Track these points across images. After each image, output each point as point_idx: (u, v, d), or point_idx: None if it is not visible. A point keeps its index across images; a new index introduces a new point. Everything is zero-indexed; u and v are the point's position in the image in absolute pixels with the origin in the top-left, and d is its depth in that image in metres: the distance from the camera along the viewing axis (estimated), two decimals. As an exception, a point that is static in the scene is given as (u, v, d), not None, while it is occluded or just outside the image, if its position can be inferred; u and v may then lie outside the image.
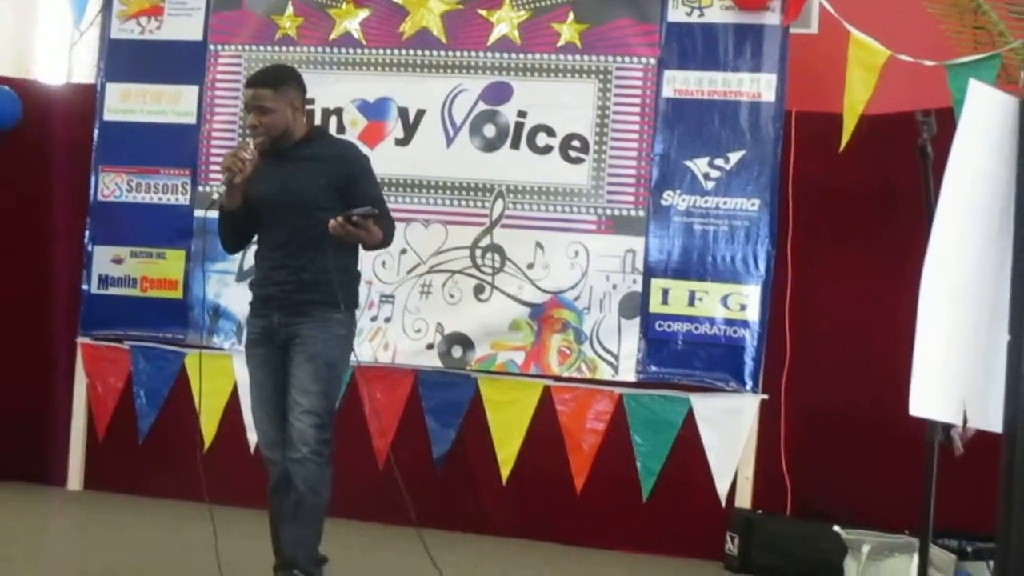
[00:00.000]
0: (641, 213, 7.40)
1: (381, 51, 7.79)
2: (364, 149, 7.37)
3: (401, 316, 7.67)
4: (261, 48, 7.93)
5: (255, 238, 5.76)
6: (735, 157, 7.29)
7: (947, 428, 3.92)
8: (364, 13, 7.82)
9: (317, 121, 7.68)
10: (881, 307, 7.01)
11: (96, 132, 8.23)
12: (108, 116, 8.21)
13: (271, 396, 5.57)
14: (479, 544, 7.40)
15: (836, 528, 6.61)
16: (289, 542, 5.53)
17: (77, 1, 8.21)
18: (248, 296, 5.76)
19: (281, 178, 5.55)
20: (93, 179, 8.20)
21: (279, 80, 5.63)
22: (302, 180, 5.52)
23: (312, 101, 7.59)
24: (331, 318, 5.50)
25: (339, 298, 5.47)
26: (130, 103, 8.16)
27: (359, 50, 7.81)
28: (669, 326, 7.35)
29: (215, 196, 5.50)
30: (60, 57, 9.47)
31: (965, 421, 3.04)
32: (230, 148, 7.40)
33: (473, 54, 7.66)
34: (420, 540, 5.57)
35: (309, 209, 5.44)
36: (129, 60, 8.20)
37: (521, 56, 7.59)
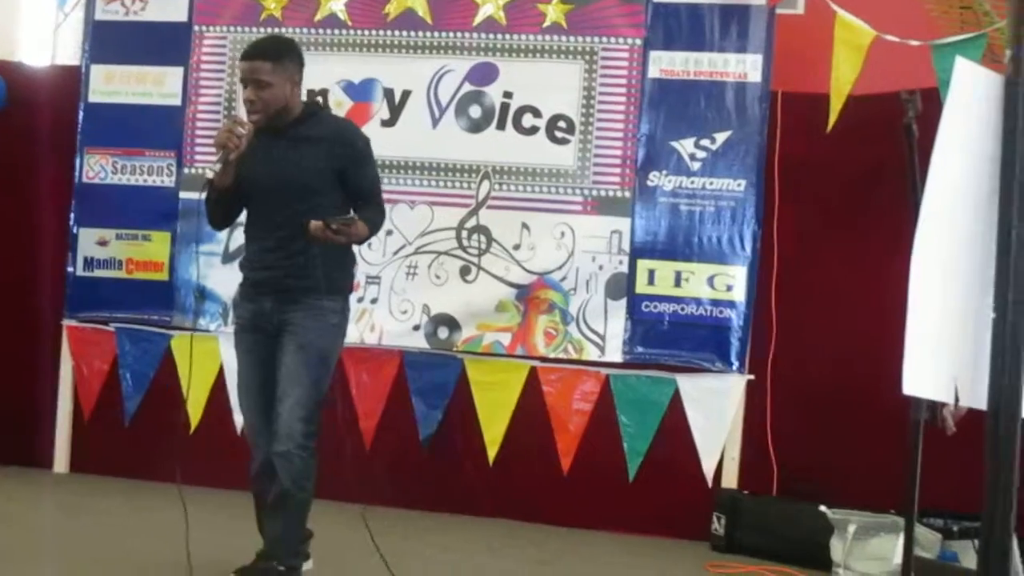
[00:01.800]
0: (627, 194, 7.40)
1: (366, 32, 7.77)
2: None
3: (387, 297, 7.66)
4: (246, 29, 7.89)
5: (243, 217, 5.69)
6: (721, 138, 7.28)
7: (932, 407, 3.93)
8: (349, -7, 7.82)
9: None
10: (867, 287, 7.03)
11: (81, 114, 8.20)
12: (93, 98, 8.18)
13: (257, 385, 5.51)
14: (466, 525, 7.40)
15: (822, 508, 6.62)
16: (272, 535, 5.50)
17: (62, -17, 8.19)
18: (234, 277, 5.73)
19: (277, 159, 5.44)
20: (78, 161, 8.17)
21: (279, 53, 5.47)
22: (299, 162, 5.41)
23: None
24: (324, 306, 5.43)
25: (333, 285, 5.42)
26: (115, 85, 8.13)
27: (344, 31, 7.79)
28: (655, 307, 7.35)
29: (209, 175, 5.40)
30: (44, 39, 9.44)
31: (957, 400, 3.04)
32: (222, 124, 7.37)
33: (458, 35, 7.64)
34: (365, 522, 5.52)
35: (306, 193, 5.33)
36: (113, 42, 8.17)
37: (506, 37, 7.58)
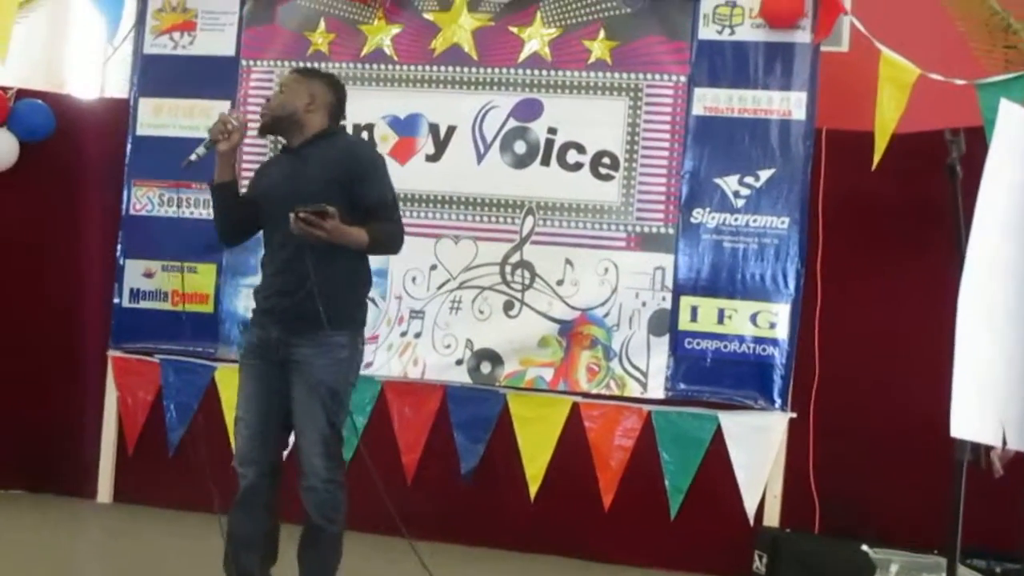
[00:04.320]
0: (671, 230, 7.40)
1: (412, 67, 7.81)
2: (393, 164, 7.44)
3: (431, 331, 7.68)
4: (293, 64, 7.91)
5: (256, 235, 5.65)
6: (765, 175, 7.29)
7: (975, 448, 3.91)
8: (396, 29, 7.85)
9: (348, 137, 7.73)
10: (911, 325, 7.01)
11: (129, 146, 8.27)
12: (141, 130, 8.24)
13: (257, 412, 5.40)
14: (507, 560, 7.40)
15: (864, 547, 6.59)
16: (306, 571, 5.45)
17: (111, 16, 8.22)
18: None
19: (284, 175, 5.38)
20: (125, 193, 8.23)
21: (311, 73, 5.58)
22: (305, 176, 5.29)
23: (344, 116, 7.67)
24: (331, 340, 5.29)
25: (339, 316, 5.29)
26: (163, 117, 8.19)
27: (390, 66, 7.83)
28: (698, 343, 7.35)
29: (192, 157, 5.36)
30: (93, 72, 9.52)
31: (1004, 443, 3.03)
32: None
33: (504, 71, 7.67)
34: (413, 553, 5.54)
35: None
36: (162, 75, 8.24)
37: (552, 73, 7.61)
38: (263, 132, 5.61)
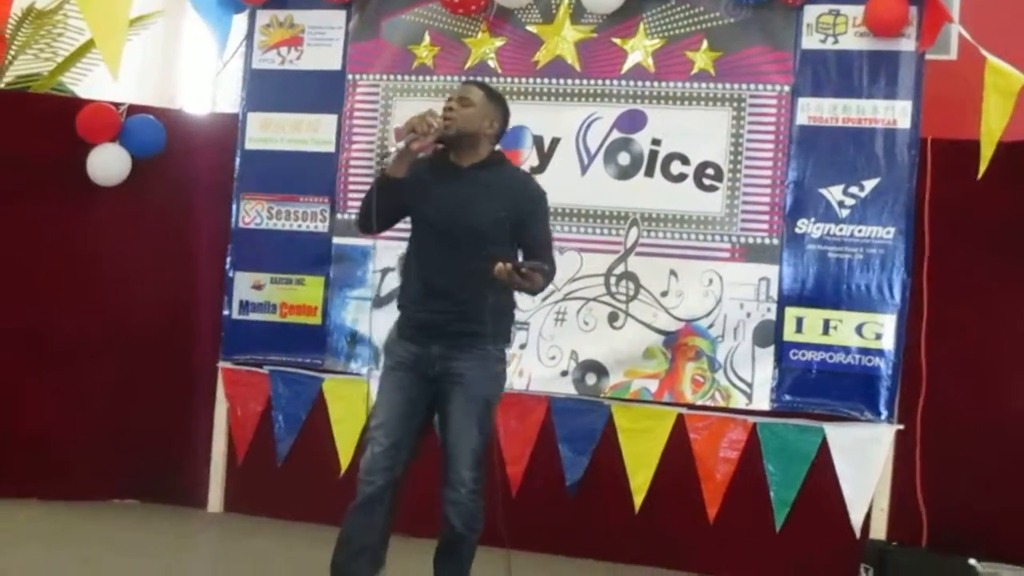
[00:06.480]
0: (775, 241, 7.36)
1: (516, 79, 7.83)
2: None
3: (536, 343, 7.70)
4: (398, 77, 8.01)
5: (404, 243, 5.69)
6: (870, 185, 7.22)
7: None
8: (499, 42, 7.88)
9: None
10: (1018, 336, 6.92)
11: (237, 160, 8.38)
12: (249, 145, 8.35)
13: (396, 423, 5.47)
14: (611, 572, 7.41)
15: (972, 561, 6.53)
16: None
17: (220, 32, 8.33)
18: (385, 322, 5.76)
19: (456, 200, 5.40)
20: (234, 206, 8.34)
21: (494, 94, 5.56)
22: (479, 208, 5.37)
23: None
24: (491, 355, 5.44)
25: (500, 332, 5.46)
26: (270, 132, 8.29)
27: (494, 79, 7.81)
28: (803, 355, 7.30)
29: (391, 149, 5.36)
30: (204, 87, 9.65)
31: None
32: (369, 174, 7.56)
33: (607, 82, 7.67)
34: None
35: (481, 240, 5.29)
36: (269, 90, 8.35)
37: (655, 84, 7.59)
38: (441, 141, 5.46)
